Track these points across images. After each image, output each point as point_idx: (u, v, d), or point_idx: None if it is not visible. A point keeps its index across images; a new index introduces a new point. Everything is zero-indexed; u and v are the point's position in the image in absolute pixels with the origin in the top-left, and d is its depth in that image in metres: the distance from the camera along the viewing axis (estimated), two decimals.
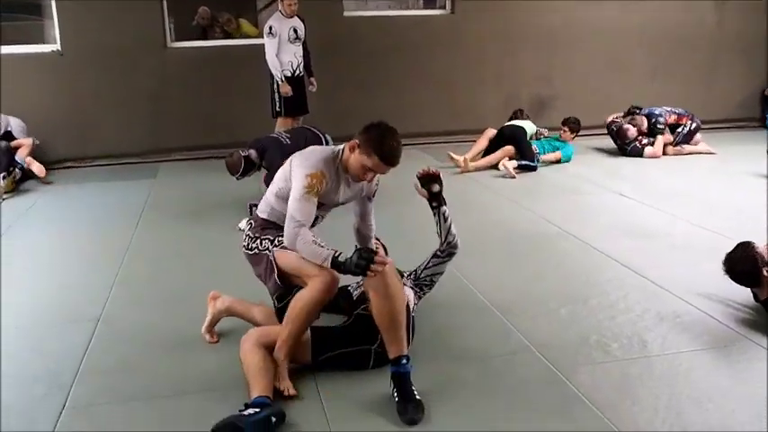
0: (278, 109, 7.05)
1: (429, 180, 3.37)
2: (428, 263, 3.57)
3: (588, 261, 4.54)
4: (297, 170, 3.08)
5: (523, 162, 7.22)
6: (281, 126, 7.14)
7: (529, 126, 7.68)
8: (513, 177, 6.96)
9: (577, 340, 3.40)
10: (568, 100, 8.92)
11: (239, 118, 8.20)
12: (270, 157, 5.65)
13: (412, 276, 3.60)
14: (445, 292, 4.03)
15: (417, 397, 2.78)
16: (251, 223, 3.35)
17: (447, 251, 3.52)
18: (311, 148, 3.27)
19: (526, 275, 4.29)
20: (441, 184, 3.40)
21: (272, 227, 3.25)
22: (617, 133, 8.07)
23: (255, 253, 3.24)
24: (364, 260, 2.79)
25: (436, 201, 3.41)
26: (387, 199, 6.26)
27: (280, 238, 3.13)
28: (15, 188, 7.05)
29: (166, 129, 8.40)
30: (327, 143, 5.89)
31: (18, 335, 3.69)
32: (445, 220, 3.46)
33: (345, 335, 3.16)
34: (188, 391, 3.05)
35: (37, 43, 8.24)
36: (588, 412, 2.76)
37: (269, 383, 2.88)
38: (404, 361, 2.84)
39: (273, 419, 2.69)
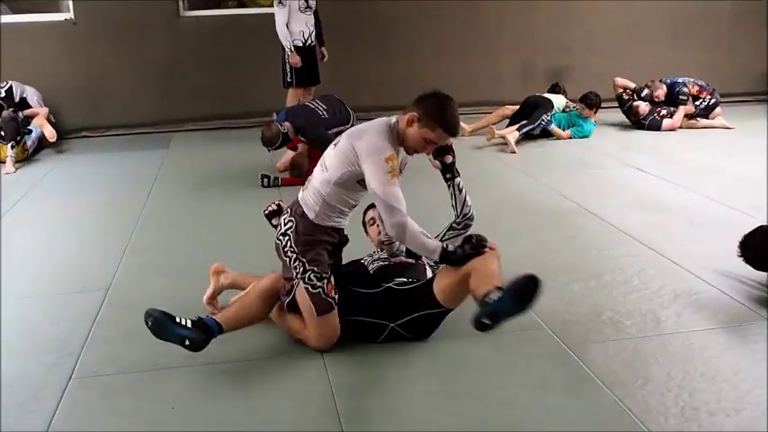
0: (289, 79, 6.96)
1: (442, 151, 3.30)
2: (443, 235, 3.51)
3: (603, 236, 4.46)
4: (368, 154, 2.81)
5: (523, 126, 7.11)
6: (292, 96, 7.07)
7: (558, 100, 7.55)
8: (514, 152, 6.85)
9: (590, 316, 3.34)
10: (585, 70, 8.75)
11: (252, 88, 8.13)
12: (313, 132, 5.61)
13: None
14: None
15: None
16: (293, 220, 3.03)
17: (463, 223, 3.45)
18: (365, 126, 2.97)
19: (539, 250, 4.22)
20: (454, 156, 3.32)
21: (313, 240, 2.99)
22: (629, 111, 7.92)
23: (287, 264, 3.05)
24: (476, 248, 2.87)
25: (449, 172, 3.34)
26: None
27: (312, 271, 2.95)
28: (28, 156, 7.05)
29: (179, 98, 8.34)
30: (352, 119, 5.83)
31: (28, 304, 3.70)
32: (459, 191, 3.38)
33: (370, 304, 3.09)
34: (195, 362, 3.01)
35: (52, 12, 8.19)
36: (598, 390, 2.71)
37: (235, 320, 3.01)
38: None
39: (187, 342, 2.83)
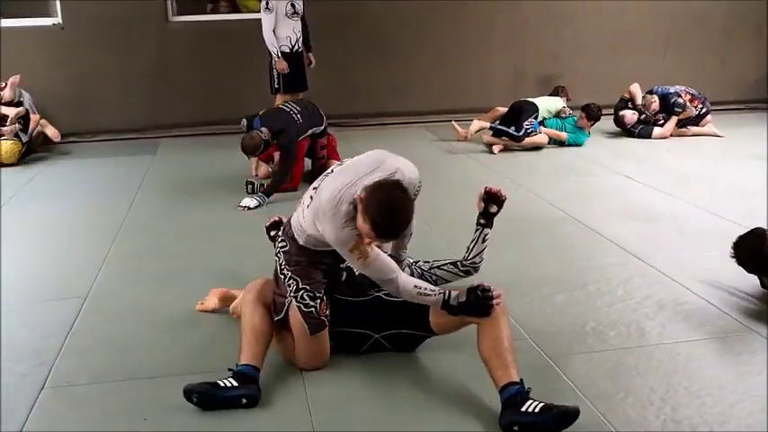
0: (276, 86, 6.92)
1: (493, 200, 3.33)
2: (443, 265, 3.51)
3: (589, 245, 4.42)
4: (334, 244, 2.74)
5: (500, 127, 7.13)
6: (280, 103, 7.01)
7: (550, 104, 7.54)
8: (493, 153, 7.01)
9: (573, 327, 3.29)
10: (575, 75, 8.73)
11: (241, 94, 8.06)
12: (286, 140, 5.65)
13: (418, 267, 3.50)
14: None
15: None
16: (286, 241, 2.96)
17: (467, 268, 3.48)
18: (326, 208, 2.72)
19: (523, 259, 4.18)
20: (500, 208, 3.35)
21: (307, 261, 2.93)
22: (617, 122, 7.89)
23: (281, 281, 2.97)
24: (484, 300, 2.67)
25: (486, 219, 3.37)
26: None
27: (306, 290, 2.88)
28: (20, 161, 7.00)
29: (168, 104, 8.29)
30: (324, 122, 5.91)
31: (4, 311, 3.63)
32: (483, 240, 3.41)
33: (355, 313, 3.02)
34: (171, 372, 2.97)
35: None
36: (579, 403, 2.62)
37: (261, 351, 2.83)
38: (516, 387, 2.52)
39: (244, 401, 2.66)
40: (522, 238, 4.56)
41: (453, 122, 7.49)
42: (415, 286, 2.74)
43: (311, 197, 2.85)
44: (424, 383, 2.84)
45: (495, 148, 7.16)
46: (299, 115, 5.75)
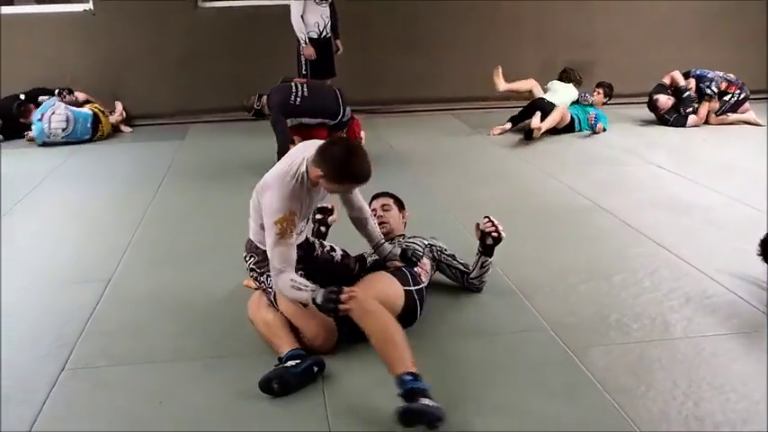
0: (304, 72, 6.92)
1: (492, 237, 3.34)
2: (453, 262, 3.52)
3: (617, 236, 4.33)
4: (265, 213, 2.85)
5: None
6: None
7: (569, 94, 7.43)
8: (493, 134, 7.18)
9: (595, 319, 3.22)
10: (608, 66, 8.56)
11: (270, 80, 7.97)
12: (273, 116, 5.74)
13: (434, 249, 3.51)
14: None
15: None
16: (253, 256, 3.09)
17: (469, 284, 3.50)
18: (273, 177, 2.91)
19: (548, 250, 4.11)
20: (496, 243, 3.35)
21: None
22: (650, 106, 7.67)
23: (263, 288, 3.09)
24: (331, 302, 2.65)
25: (484, 249, 3.39)
26: (416, 164, 6.13)
27: None
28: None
29: (197, 90, 8.35)
30: (343, 112, 5.79)
31: (28, 294, 3.68)
32: (482, 267, 3.42)
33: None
34: (190, 356, 2.99)
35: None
36: (598, 397, 2.60)
37: (294, 338, 2.90)
38: (408, 377, 2.46)
39: (315, 369, 2.72)
40: (548, 228, 4.49)
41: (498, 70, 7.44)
42: (292, 279, 2.79)
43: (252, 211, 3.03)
44: (441, 373, 2.78)
45: (496, 130, 7.17)
46: (298, 98, 5.70)
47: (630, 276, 3.69)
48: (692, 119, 7.51)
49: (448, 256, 3.53)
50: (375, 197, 3.73)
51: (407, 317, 3.05)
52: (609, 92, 7.59)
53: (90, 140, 7.39)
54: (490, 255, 3.39)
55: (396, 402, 2.42)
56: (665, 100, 7.56)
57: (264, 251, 2.95)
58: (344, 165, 2.75)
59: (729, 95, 7.57)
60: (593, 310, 3.31)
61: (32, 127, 7.25)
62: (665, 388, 2.64)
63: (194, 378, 2.81)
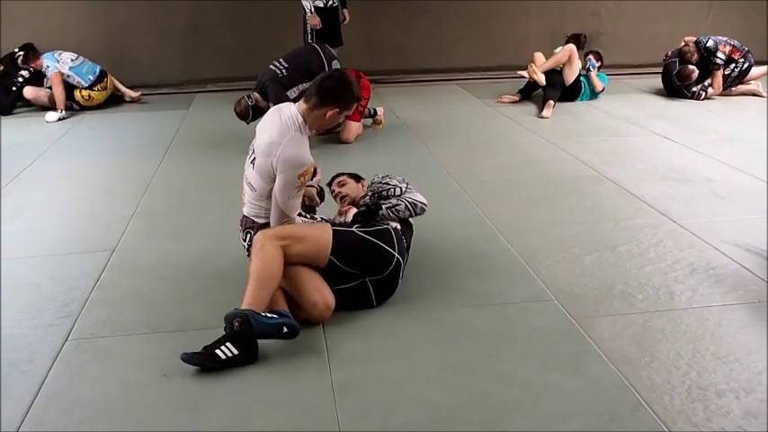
0: (309, 40, 6.83)
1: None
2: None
3: (622, 206, 4.30)
4: (286, 169, 2.90)
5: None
6: None
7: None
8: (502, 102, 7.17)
9: (600, 289, 3.21)
10: (615, 36, 8.47)
11: (276, 49, 7.93)
12: (274, 96, 5.56)
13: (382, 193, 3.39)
14: (466, 233, 3.90)
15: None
16: (249, 232, 3.13)
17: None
18: (277, 135, 2.94)
19: (554, 220, 4.09)
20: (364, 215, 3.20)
21: None
22: (678, 75, 7.43)
23: None
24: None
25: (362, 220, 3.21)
26: (422, 134, 6.09)
27: None
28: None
29: (202, 59, 8.31)
30: (329, 66, 5.70)
31: (32, 263, 3.68)
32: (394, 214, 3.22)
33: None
34: (193, 327, 2.98)
35: None
36: (602, 366, 2.60)
37: (283, 300, 2.94)
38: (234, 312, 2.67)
39: (285, 329, 2.71)
40: (552, 198, 4.47)
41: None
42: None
43: (251, 166, 3.05)
44: (446, 343, 2.80)
45: (505, 98, 7.14)
46: (283, 69, 5.65)
47: (635, 247, 3.67)
48: (710, 92, 7.40)
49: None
50: (329, 183, 3.66)
51: (389, 281, 3.07)
52: (600, 57, 7.52)
53: (91, 87, 7.32)
54: (367, 221, 3.17)
55: (403, 369, 2.46)
56: (692, 69, 7.36)
57: (265, 223, 3.00)
58: (349, 90, 3.01)
59: (734, 65, 7.45)
60: (598, 280, 3.31)
61: (44, 61, 7.15)
62: (668, 358, 2.64)
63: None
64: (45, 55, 7.18)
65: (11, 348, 2.85)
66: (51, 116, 6.97)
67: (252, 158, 3.06)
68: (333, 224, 3.15)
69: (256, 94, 5.69)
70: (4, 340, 2.91)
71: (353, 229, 3.04)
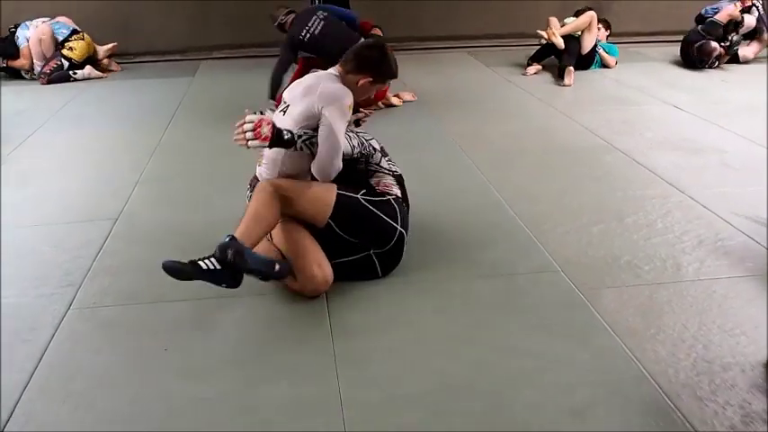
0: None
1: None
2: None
3: (631, 176, 4.24)
4: (332, 100, 2.88)
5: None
6: None
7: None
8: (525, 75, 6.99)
9: (606, 260, 3.18)
10: (628, 5, 8.30)
11: None
12: (281, 52, 5.73)
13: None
14: (472, 203, 3.86)
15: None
16: None
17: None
18: (314, 81, 3.01)
19: (561, 189, 4.04)
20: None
21: None
22: (699, 50, 7.19)
23: None
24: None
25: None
26: (431, 103, 6.02)
27: None
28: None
29: (208, 26, 8.23)
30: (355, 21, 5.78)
31: (35, 232, 3.67)
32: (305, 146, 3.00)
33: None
34: (196, 296, 2.94)
35: None
36: (607, 338, 2.57)
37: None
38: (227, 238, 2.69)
39: (278, 267, 2.72)
40: (560, 167, 4.42)
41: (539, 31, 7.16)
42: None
43: (281, 115, 3.02)
44: (452, 314, 2.78)
45: (531, 70, 7.02)
46: (308, 34, 5.57)
47: (642, 218, 3.63)
48: (743, 51, 7.28)
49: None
50: None
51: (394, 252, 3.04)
52: (608, 26, 7.44)
53: (67, 39, 7.29)
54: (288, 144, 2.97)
55: (407, 340, 2.49)
56: (714, 47, 7.14)
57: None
58: (388, 64, 3.06)
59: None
60: (605, 251, 3.27)
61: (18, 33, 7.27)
62: (674, 331, 2.61)
63: (201, 318, 2.80)
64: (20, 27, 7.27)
65: (13, 317, 2.84)
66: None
67: (283, 108, 3.03)
68: (339, 186, 2.97)
69: (289, 18, 5.85)
70: (6, 309, 2.90)
71: (358, 196, 2.97)
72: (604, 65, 7.22)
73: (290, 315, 2.80)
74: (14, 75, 7.38)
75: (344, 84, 2.99)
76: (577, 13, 7.33)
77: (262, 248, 2.92)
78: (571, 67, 6.69)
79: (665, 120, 5.47)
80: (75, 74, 7.23)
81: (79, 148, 5.11)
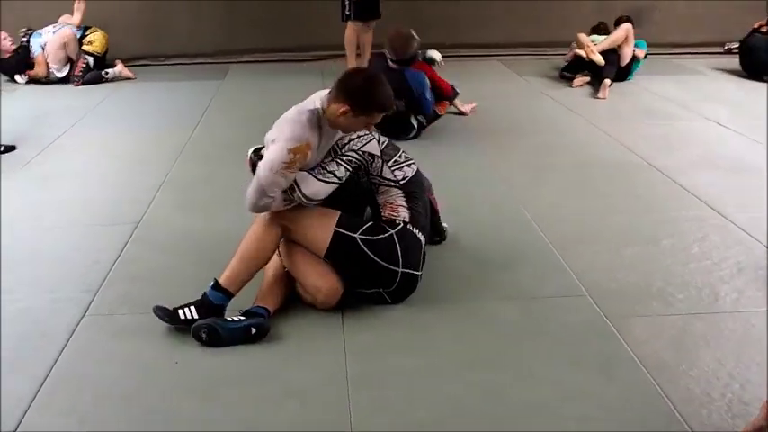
0: (347, 12, 6.71)
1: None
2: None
3: (667, 196, 4.09)
4: (278, 140, 2.68)
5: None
6: (350, 31, 6.81)
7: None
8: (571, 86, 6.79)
9: (638, 286, 3.03)
10: (668, 12, 8.08)
11: (314, 20, 7.87)
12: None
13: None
14: (498, 219, 3.75)
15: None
16: None
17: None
18: (289, 114, 2.78)
19: (592, 208, 3.90)
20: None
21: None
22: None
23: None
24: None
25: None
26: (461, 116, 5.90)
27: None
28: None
29: (239, 29, 8.20)
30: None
31: (56, 234, 3.65)
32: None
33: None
34: None
35: None
36: (634, 371, 2.43)
37: (276, 295, 2.81)
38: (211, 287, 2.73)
39: (253, 331, 2.61)
40: (593, 185, 4.27)
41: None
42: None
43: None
44: (473, 337, 2.67)
45: (578, 81, 6.83)
46: None
47: (679, 241, 3.47)
48: None
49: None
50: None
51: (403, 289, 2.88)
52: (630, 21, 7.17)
53: (84, 36, 7.23)
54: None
55: (422, 363, 2.40)
56: None
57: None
58: (369, 93, 2.67)
59: None
60: (637, 276, 3.12)
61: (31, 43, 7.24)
62: (708, 366, 2.46)
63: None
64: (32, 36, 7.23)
65: (28, 322, 2.81)
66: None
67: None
68: (342, 216, 2.81)
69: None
70: (20, 313, 2.87)
71: (356, 235, 2.75)
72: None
73: (304, 332, 2.71)
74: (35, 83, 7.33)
75: (328, 115, 2.72)
76: (617, 22, 7.17)
77: (269, 270, 2.86)
78: (608, 80, 6.53)
79: (706, 136, 5.28)
80: (106, 73, 7.23)
81: (106, 150, 5.09)
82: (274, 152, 2.66)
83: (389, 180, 2.88)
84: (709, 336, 2.66)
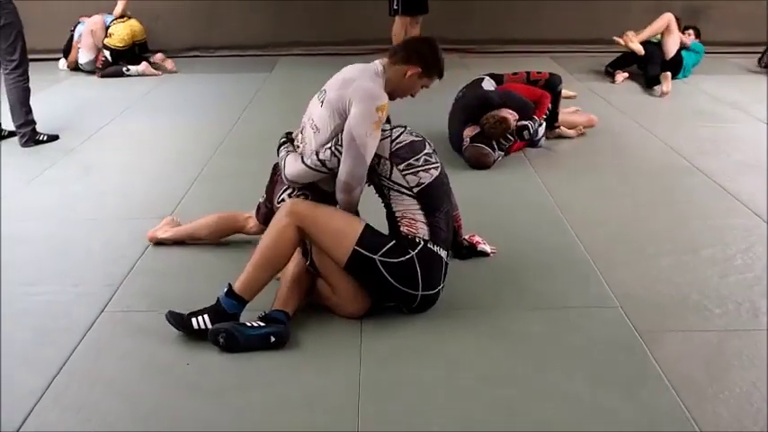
0: (395, 6, 6.65)
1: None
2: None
3: (711, 202, 3.90)
4: (362, 99, 2.66)
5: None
6: (399, 25, 6.72)
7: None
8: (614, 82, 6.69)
9: (673, 298, 2.89)
10: (724, 10, 7.77)
11: (362, 14, 7.83)
12: None
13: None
14: (532, 223, 3.64)
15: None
16: (305, 193, 2.90)
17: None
18: (351, 74, 2.82)
19: (631, 213, 3.75)
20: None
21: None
22: None
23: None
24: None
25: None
26: None
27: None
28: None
29: (289, 22, 8.22)
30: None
31: (86, 227, 3.68)
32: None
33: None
34: None
35: None
36: (661, 390, 2.30)
37: (296, 297, 2.73)
38: (224, 292, 2.64)
39: (273, 339, 2.55)
40: (634, 188, 4.12)
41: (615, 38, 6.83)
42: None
43: (319, 105, 2.87)
44: (490, 347, 2.58)
45: (619, 77, 6.68)
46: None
47: (720, 251, 3.30)
48: None
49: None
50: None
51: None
52: (698, 33, 7.08)
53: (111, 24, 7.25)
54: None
55: (439, 374, 2.34)
56: None
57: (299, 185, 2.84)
58: (438, 58, 2.84)
59: None
60: (672, 287, 2.97)
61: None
62: (742, 390, 2.31)
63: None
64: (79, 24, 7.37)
65: (49, 316, 2.82)
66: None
67: (321, 97, 2.87)
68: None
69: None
70: (41, 306, 2.89)
71: (377, 257, 2.61)
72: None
73: (320, 336, 2.66)
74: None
75: (389, 77, 2.77)
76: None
77: (288, 272, 2.77)
78: (668, 73, 6.31)
79: (758, 140, 5.02)
80: (128, 70, 7.16)
81: (146, 142, 5.14)
82: (361, 115, 2.64)
83: (401, 185, 2.71)
84: (744, 355, 2.51)
